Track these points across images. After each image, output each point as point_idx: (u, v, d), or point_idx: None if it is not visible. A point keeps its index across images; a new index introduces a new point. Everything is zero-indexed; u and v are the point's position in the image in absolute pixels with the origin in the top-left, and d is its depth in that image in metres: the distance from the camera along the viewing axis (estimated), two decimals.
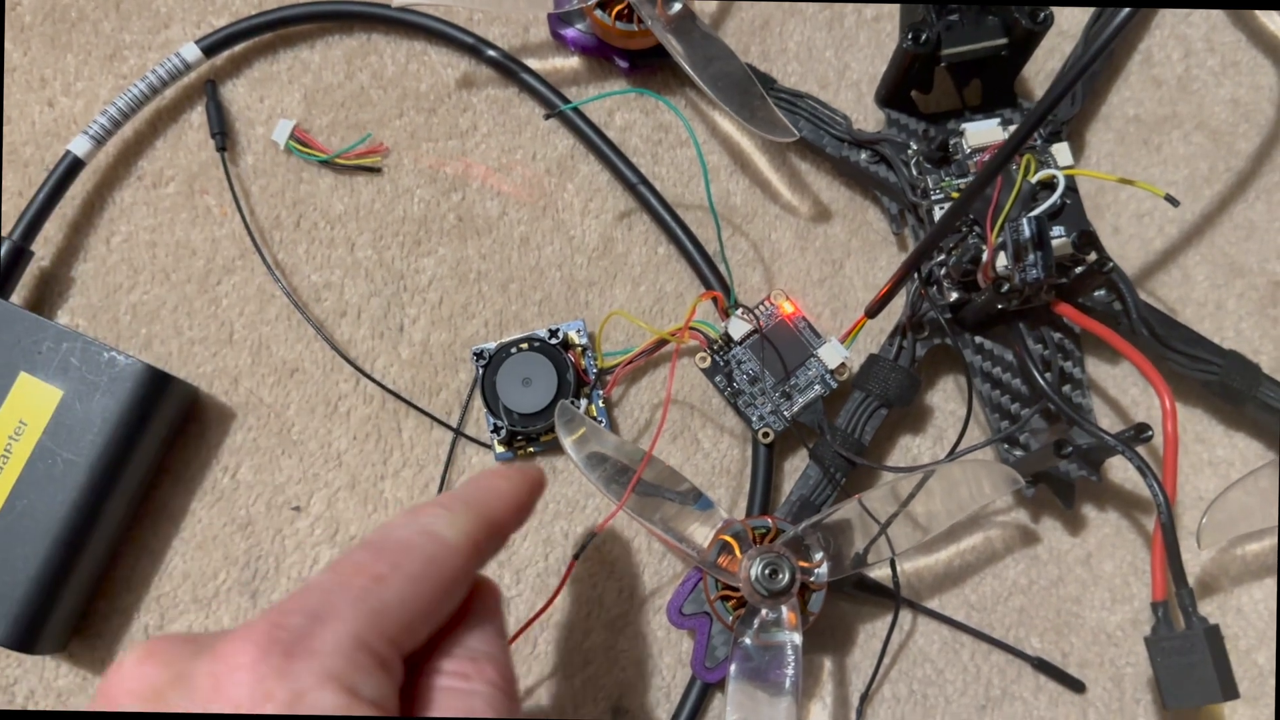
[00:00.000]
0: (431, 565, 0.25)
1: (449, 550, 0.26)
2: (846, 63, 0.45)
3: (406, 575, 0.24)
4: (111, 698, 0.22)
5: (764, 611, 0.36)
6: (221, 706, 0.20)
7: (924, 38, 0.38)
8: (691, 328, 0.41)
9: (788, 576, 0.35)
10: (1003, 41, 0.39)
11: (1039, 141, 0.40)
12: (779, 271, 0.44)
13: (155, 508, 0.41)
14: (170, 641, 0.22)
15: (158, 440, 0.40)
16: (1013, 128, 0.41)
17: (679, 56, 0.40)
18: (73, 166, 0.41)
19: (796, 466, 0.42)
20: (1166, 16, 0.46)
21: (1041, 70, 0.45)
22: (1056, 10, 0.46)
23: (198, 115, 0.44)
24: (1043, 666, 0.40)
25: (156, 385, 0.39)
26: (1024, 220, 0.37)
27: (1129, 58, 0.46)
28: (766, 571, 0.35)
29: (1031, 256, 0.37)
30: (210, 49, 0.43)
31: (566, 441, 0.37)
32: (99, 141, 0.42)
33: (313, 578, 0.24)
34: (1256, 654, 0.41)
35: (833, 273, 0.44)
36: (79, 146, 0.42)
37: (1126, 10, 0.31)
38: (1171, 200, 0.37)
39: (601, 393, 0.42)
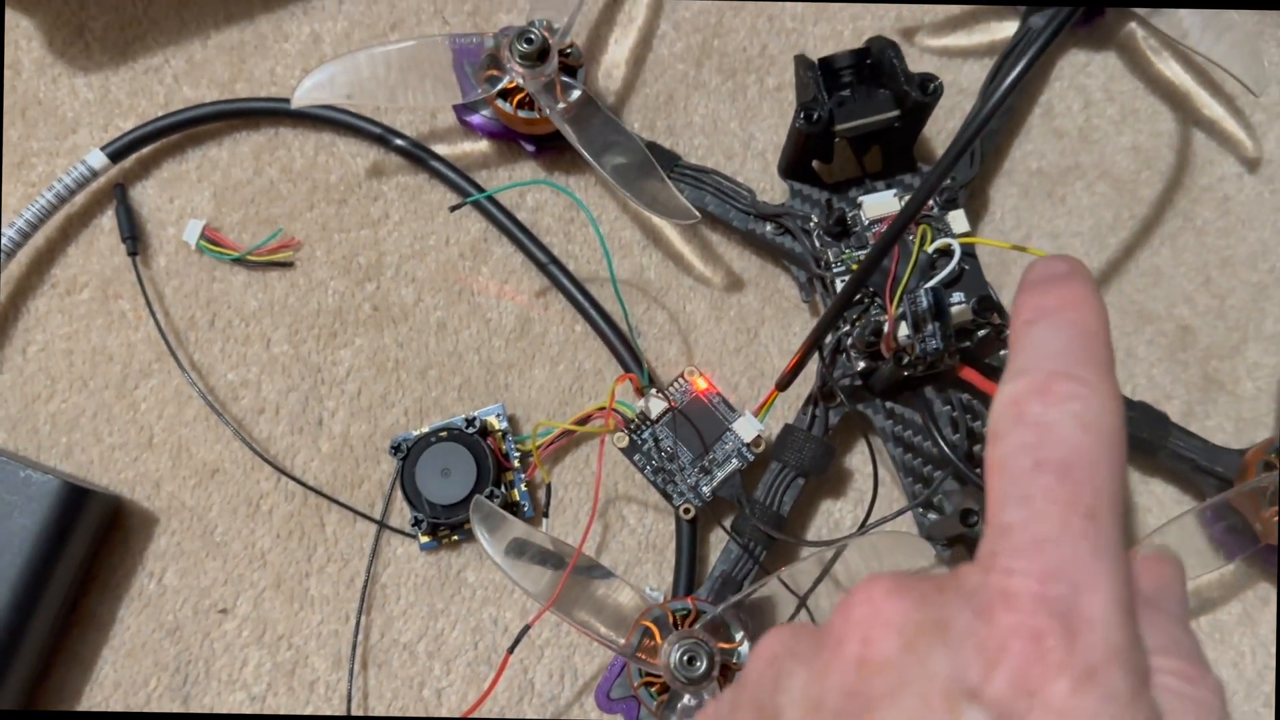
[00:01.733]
0: (1116, 476, 0.20)
1: (1118, 446, 0.21)
2: (751, 133, 0.46)
3: (1111, 501, 0.20)
4: (866, 633, 0.19)
5: (686, 697, 0.36)
6: (998, 671, 0.18)
7: (815, 116, 0.39)
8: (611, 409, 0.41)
9: (705, 663, 0.35)
10: (894, 114, 0.40)
11: (935, 210, 0.41)
12: (695, 343, 0.45)
13: (83, 617, 0.41)
14: (909, 578, 0.20)
15: (80, 553, 0.40)
16: (909, 197, 0.41)
17: (578, 144, 0.40)
18: None
19: (724, 537, 0.42)
20: (1065, 69, 0.47)
21: (944, 129, 0.46)
22: (959, 66, 0.47)
23: (108, 220, 0.44)
24: None
25: (74, 501, 0.39)
26: (922, 291, 0.38)
27: (1030, 112, 0.47)
28: (684, 659, 0.35)
29: (930, 326, 0.38)
30: (116, 154, 0.44)
31: (482, 537, 0.37)
32: (9, 254, 0.42)
33: (1010, 521, 0.20)
34: None
35: (748, 341, 0.44)
36: None
37: (1016, 72, 0.31)
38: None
39: (524, 476, 0.42)
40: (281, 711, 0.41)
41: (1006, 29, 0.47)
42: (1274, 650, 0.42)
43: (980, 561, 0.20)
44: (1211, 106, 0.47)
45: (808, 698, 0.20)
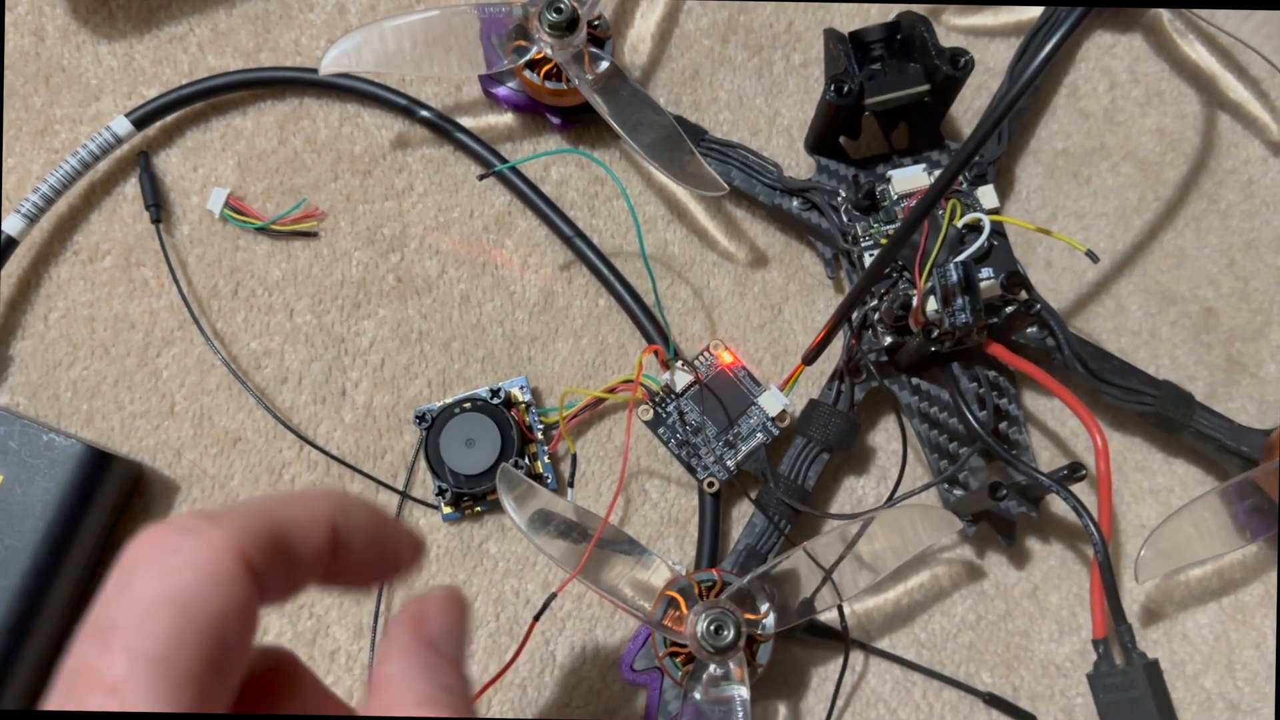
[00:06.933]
0: None
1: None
2: (777, 109, 0.46)
3: None
4: None
5: (712, 667, 0.36)
6: None
7: (846, 89, 0.39)
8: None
9: (732, 632, 0.35)
10: (925, 88, 0.40)
11: (964, 185, 0.41)
12: (719, 318, 0.44)
13: None
14: None
15: (102, 519, 0.40)
16: (938, 172, 0.41)
17: (607, 115, 0.40)
18: (5, 246, 0.41)
19: (745, 513, 0.42)
20: (1090, 50, 0.47)
21: (970, 108, 0.46)
22: (985, 45, 0.47)
23: (132, 187, 0.44)
24: (994, 702, 0.41)
25: (97, 465, 0.39)
26: (951, 265, 0.38)
27: (1055, 92, 0.47)
28: (711, 628, 0.35)
29: (960, 300, 0.37)
30: (141, 121, 0.43)
31: (509, 505, 0.37)
32: (32, 219, 0.42)
33: None
34: (1203, 678, 0.41)
35: (772, 318, 0.44)
36: (11, 225, 0.41)
37: (1045, 52, 0.31)
38: (1092, 257, 0.37)
39: (547, 449, 0.42)
40: None
41: (1033, 9, 0.47)
42: None
43: None
44: (1237, 89, 0.47)
45: None
